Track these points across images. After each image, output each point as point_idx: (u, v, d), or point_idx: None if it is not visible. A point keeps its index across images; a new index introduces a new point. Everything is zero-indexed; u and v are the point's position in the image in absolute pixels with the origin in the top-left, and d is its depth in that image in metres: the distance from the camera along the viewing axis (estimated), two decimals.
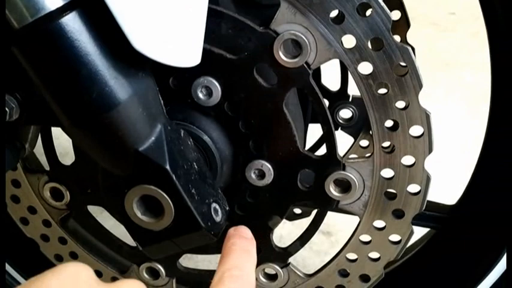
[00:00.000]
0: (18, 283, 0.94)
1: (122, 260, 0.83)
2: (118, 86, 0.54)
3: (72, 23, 0.50)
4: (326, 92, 0.98)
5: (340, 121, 0.98)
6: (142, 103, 0.56)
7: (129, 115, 0.55)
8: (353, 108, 0.97)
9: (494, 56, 0.66)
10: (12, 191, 0.80)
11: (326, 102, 0.99)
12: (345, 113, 0.98)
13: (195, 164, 0.62)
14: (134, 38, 0.51)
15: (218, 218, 0.63)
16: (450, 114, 1.74)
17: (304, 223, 1.09)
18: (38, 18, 0.49)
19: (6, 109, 0.62)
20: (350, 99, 0.97)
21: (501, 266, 0.75)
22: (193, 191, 0.60)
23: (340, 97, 0.97)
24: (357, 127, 0.98)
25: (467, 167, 0.77)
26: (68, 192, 0.78)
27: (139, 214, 0.60)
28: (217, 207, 0.63)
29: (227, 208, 0.65)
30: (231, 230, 0.58)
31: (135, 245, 0.82)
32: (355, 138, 1.00)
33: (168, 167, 0.57)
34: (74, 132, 0.57)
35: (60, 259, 0.85)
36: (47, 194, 0.78)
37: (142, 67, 0.56)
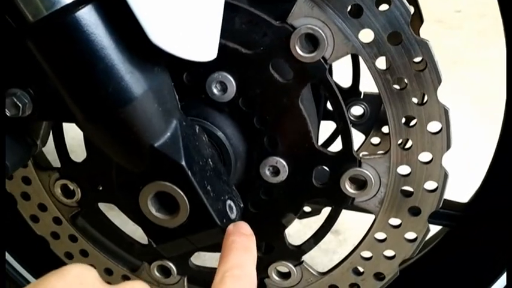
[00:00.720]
0: (28, 282, 0.94)
1: (133, 258, 0.82)
2: (134, 80, 0.53)
3: (88, 16, 0.50)
4: (337, 88, 0.97)
5: (352, 118, 0.97)
6: (157, 98, 0.55)
7: (144, 110, 0.54)
8: (365, 105, 0.96)
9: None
10: (22, 188, 0.80)
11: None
12: (357, 110, 0.97)
13: (210, 160, 0.61)
14: (152, 31, 0.50)
15: (233, 215, 0.62)
16: (456, 111, 1.72)
17: (312, 221, 1.08)
18: (53, 12, 0.49)
19: (19, 104, 0.61)
20: (362, 96, 0.96)
21: None
22: (208, 187, 0.59)
23: (351, 94, 0.96)
24: (369, 124, 0.97)
25: (473, 164, 0.76)
26: (79, 190, 0.77)
27: (153, 211, 0.59)
28: (232, 204, 0.63)
29: (241, 205, 0.65)
30: (230, 227, 0.57)
31: (147, 243, 0.82)
32: (367, 135, 0.99)
33: (183, 163, 0.56)
34: (88, 127, 0.56)
35: (70, 257, 0.84)
36: (57, 191, 0.78)
37: (158, 62, 0.56)
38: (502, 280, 0.78)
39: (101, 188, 0.77)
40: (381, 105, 0.97)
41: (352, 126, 1.00)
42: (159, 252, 0.79)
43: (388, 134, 0.89)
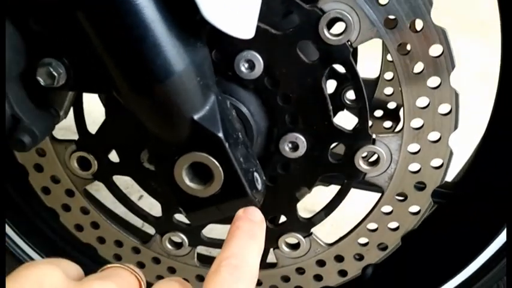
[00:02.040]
0: (32, 258, 0.94)
1: (144, 230, 0.85)
2: (180, 54, 0.55)
3: None
4: (334, 73, 1.02)
5: (347, 102, 1.03)
6: (199, 72, 0.58)
7: (187, 83, 0.57)
8: None
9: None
10: (36, 159, 0.80)
11: (334, 83, 1.04)
12: (352, 94, 1.02)
13: (239, 133, 0.65)
14: (205, 8, 0.53)
15: (259, 187, 0.66)
16: None
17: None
18: None
19: (55, 74, 0.62)
20: None
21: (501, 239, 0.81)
22: (241, 159, 0.63)
23: (347, 78, 1.01)
24: None
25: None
26: (95, 162, 0.78)
27: (187, 181, 0.62)
28: (258, 176, 0.66)
29: (264, 178, 0.68)
30: (240, 212, 0.53)
31: (159, 215, 0.84)
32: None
33: (221, 135, 0.60)
34: (132, 99, 0.58)
35: (80, 229, 0.86)
36: (73, 163, 0.79)
37: (200, 37, 0.58)
38: (484, 256, 0.85)
39: (117, 161, 0.79)
40: (375, 90, 1.03)
41: (346, 109, 1.06)
42: (171, 225, 0.82)
43: (381, 117, 0.96)
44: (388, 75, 1.02)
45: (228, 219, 0.71)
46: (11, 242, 0.92)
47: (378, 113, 1.05)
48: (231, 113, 0.64)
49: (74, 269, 0.44)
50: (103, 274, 0.44)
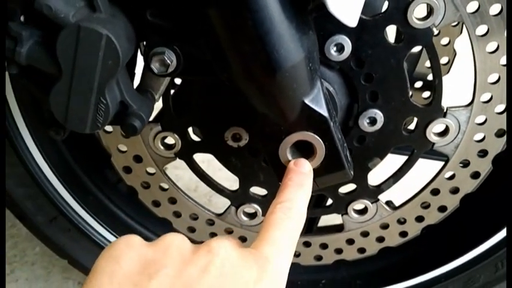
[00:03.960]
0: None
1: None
2: (297, 42, 0.60)
3: None
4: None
5: None
6: (311, 58, 0.63)
7: (302, 69, 0.62)
8: None
9: None
10: (120, 141, 0.83)
11: None
12: None
13: (334, 112, 0.71)
14: (331, 2, 0.57)
15: (350, 159, 0.72)
16: None
17: None
18: None
19: (168, 62, 0.66)
20: None
21: None
22: (339, 136, 0.69)
23: None
24: None
25: None
26: (180, 142, 0.82)
27: (290, 158, 0.67)
28: (347, 150, 0.73)
29: (348, 152, 0.75)
30: (291, 164, 0.65)
31: (234, 189, 0.89)
32: None
33: (327, 115, 0.65)
34: (251, 86, 0.62)
35: (157, 205, 0.90)
36: (158, 143, 0.83)
37: (311, 25, 0.63)
38: None
39: (200, 139, 0.83)
40: (417, 63, 1.10)
41: None
42: (247, 197, 0.88)
43: (420, 88, 1.03)
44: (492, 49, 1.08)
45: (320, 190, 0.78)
46: (91, 228, 0.97)
47: (418, 84, 1.12)
48: (327, 93, 0.69)
49: None
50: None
